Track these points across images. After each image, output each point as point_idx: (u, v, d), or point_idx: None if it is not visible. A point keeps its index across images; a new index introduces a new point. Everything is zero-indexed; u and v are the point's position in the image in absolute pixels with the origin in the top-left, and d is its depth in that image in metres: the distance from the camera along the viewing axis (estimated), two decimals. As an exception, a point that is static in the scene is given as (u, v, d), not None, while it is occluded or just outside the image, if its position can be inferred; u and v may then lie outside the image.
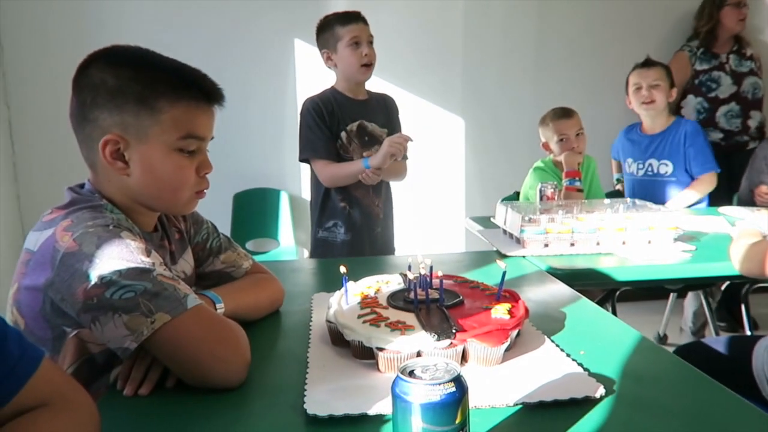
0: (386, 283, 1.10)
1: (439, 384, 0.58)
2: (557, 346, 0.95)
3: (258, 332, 1.03)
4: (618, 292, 2.47)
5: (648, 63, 2.54)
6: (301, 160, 2.03)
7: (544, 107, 2.48)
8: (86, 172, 0.98)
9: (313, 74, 2.81)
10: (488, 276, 1.24)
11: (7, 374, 0.63)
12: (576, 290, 1.31)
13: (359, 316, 0.93)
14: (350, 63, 1.94)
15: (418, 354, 0.85)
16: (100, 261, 0.81)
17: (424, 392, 0.57)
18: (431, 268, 1.04)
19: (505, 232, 1.85)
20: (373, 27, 1.99)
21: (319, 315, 1.09)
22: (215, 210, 1.44)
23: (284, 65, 3.17)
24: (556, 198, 2.05)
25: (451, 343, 0.86)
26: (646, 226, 1.67)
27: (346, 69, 1.96)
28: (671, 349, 1.19)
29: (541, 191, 2.06)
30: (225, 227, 2.86)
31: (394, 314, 0.94)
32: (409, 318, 0.92)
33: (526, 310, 0.98)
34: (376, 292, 1.05)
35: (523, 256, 1.62)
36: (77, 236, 0.84)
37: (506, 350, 0.90)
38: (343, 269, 1.03)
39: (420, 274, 1.03)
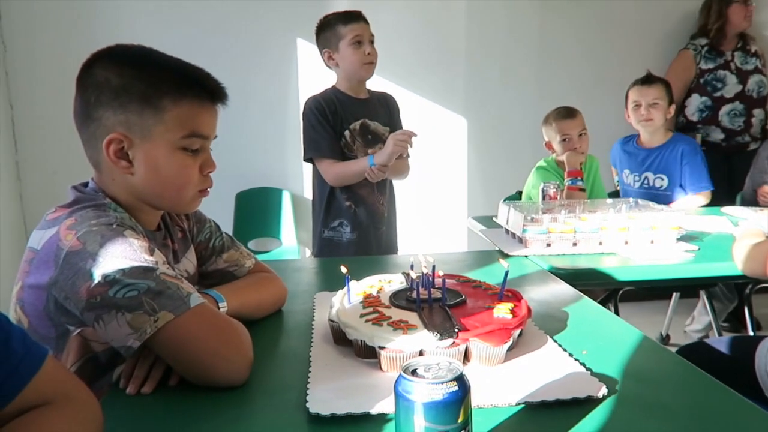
0: (389, 283, 1.10)
1: (442, 383, 0.58)
2: (559, 345, 0.95)
3: (261, 331, 1.04)
4: (620, 292, 2.47)
5: (648, 80, 2.53)
6: (306, 159, 2.03)
7: (547, 107, 2.48)
8: (89, 171, 0.99)
9: (315, 73, 2.81)
10: (490, 275, 1.24)
11: (11, 372, 0.63)
12: (578, 290, 1.31)
13: (362, 315, 0.93)
14: (352, 62, 1.94)
15: (421, 353, 0.85)
16: (103, 259, 0.81)
17: (426, 391, 0.57)
18: (434, 267, 1.04)
19: (507, 231, 1.85)
20: (375, 26, 1.99)
21: (322, 314, 1.09)
22: (217, 209, 1.44)
23: (286, 64, 3.18)
24: (558, 198, 2.05)
25: (454, 342, 0.86)
26: (648, 226, 1.67)
27: (348, 68, 1.96)
28: (674, 350, 1.19)
29: (543, 191, 2.06)
30: (227, 226, 2.86)
31: (396, 313, 0.94)
32: (412, 317, 0.92)
33: (529, 310, 0.98)
34: (378, 292, 1.05)
35: (526, 256, 1.62)
36: (81, 235, 0.84)
37: (508, 350, 0.90)
38: (344, 269, 1.03)
39: (422, 274, 1.03)
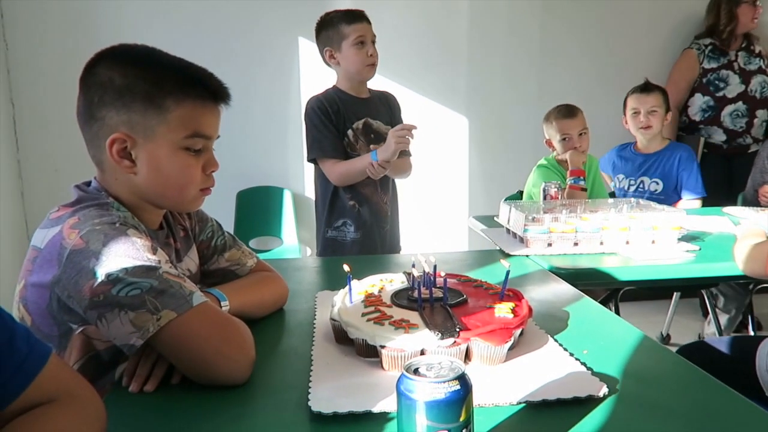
0: (390, 282, 1.11)
1: (444, 382, 0.58)
2: (560, 345, 0.95)
3: (262, 330, 1.04)
4: (621, 292, 2.48)
5: (646, 88, 2.58)
6: (310, 160, 2.02)
7: (548, 106, 2.48)
8: (90, 170, 0.99)
9: (316, 73, 2.81)
10: (491, 275, 1.24)
11: (15, 371, 0.64)
12: (579, 290, 1.31)
13: (363, 314, 0.93)
14: (355, 62, 1.94)
15: (422, 352, 0.86)
16: (106, 258, 0.82)
17: (428, 390, 0.58)
18: (435, 266, 1.04)
19: (508, 231, 1.85)
20: (376, 26, 1.99)
21: (323, 313, 1.09)
22: (219, 208, 1.45)
23: (288, 63, 3.18)
24: (559, 197, 2.05)
25: (455, 341, 0.86)
26: (649, 226, 1.67)
27: (350, 68, 1.96)
28: (674, 349, 1.20)
29: (544, 190, 2.06)
30: (228, 225, 2.87)
31: (398, 312, 0.94)
32: (413, 316, 0.92)
33: (530, 309, 0.98)
34: (380, 291, 1.05)
35: (527, 256, 1.62)
36: (84, 233, 0.84)
37: (509, 349, 0.90)
38: (346, 268, 1.03)
39: (424, 273, 1.03)
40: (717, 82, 3.05)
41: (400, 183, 2.19)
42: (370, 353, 0.89)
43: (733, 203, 2.56)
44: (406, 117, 2.18)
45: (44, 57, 3.02)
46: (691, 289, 2.75)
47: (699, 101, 3.09)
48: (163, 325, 0.80)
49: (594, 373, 0.85)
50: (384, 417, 0.74)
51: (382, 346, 0.86)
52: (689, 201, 2.55)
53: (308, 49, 3.10)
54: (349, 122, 1.98)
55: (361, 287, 1.07)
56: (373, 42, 1.97)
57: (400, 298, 1.01)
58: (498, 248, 1.73)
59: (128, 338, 0.80)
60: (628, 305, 2.75)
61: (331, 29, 1.95)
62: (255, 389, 0.84)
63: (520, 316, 0.93)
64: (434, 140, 3.21)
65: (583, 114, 2.40)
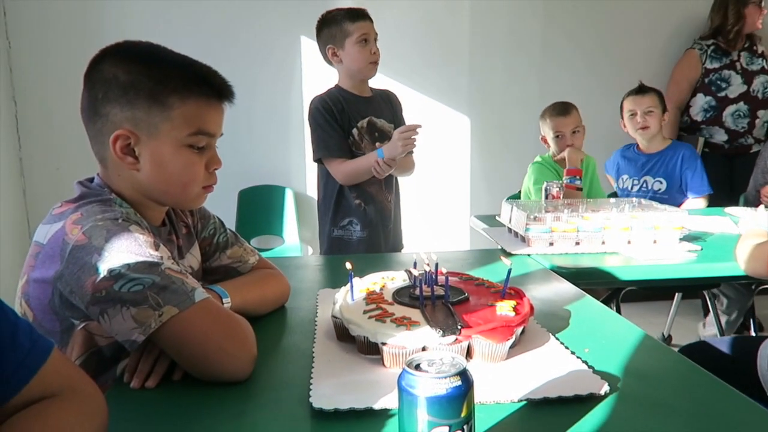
0: (391, 280, 1.11)
1: (445, 377, 0.58)
2: (562, 343, 0.95)
3: (264, 327, 1.04)
4: (622, 293, 2.48)
5: (641, 90, 2.60)
6: (316, 160, 2.02)
7: (550, 106, 2.48)
8: (92, 167, 0.99)
9: (318, 71, 2.82)
10: (493, 274, 1.24)
11: (17, 365, 0.64)
12: (580, 289, 1.31)
13: (365, 312, 0.93)
14: (358, 60, 1.94)
15: (423, 350, 0.86)
16: (108, 254, 0.82)
17: (430, 386, 0.58)
18: (436, 264, 1.04)
19: (510, 230, 1.85)
20: (378, 25, 1.99)
21: (325, 310, 1.09)
22: (221, 206, 1.45)
23: (290, 62, 3.18)
24: (561, 197, 2.05)
25: (456, 339, 0.86)
26: (651, 226, 1.67)
27: (353, 66, 1.96)
28: (675, 350, 1.19)
29: (546, 190, 2.06)
30: (230, 224, 2.86)
31: (399, 310, 0.94)
32: (415, 314, 0.93)
33: (531, 308, 0.98)
34: (381, 289, 1.05)
35: (528, 255, 1.62)
36: (87, 229, 0.84)
37: (511, 347, 0.90)
38: (348, 266, 1.03)
39: (425, 271, 1.03)
40: (719, 82, 3.05)
41: (402, 182, 2.20)
42: (371, 350, 0.89)
43: (735, 204, 2.56)
44: (408, 116, 2.18)
45: (47, 55, 3.02)
46: (692, 289, 2.75)
47: (701, 101, 3.09)
48: (165, 321, 0.80)
49: (595, 372, 0.85)
50: (385, 413, 0.74)
51: (384, 344, 0.86)
52: (696, 199, 2.56)
53: (310, 47, 3.10)
54: (354, 121, 1.98)
55: (363, 285, 1.07)
56: (375, 40, 1.97)
57: (402, 295, 1.01)
58: (499, 247, 1.73)
59: (130, 334, 0.81)
60: (629, 306, 2.75)
61: (334, 27, 1.95)
62: (256, 386, 0.85)
63: (521, 314, 0.93)
64: (436, 139, 3.21)
65: (578, 112, 2.41)
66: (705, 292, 2.65)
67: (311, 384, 0.82)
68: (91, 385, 0.71)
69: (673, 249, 1.64)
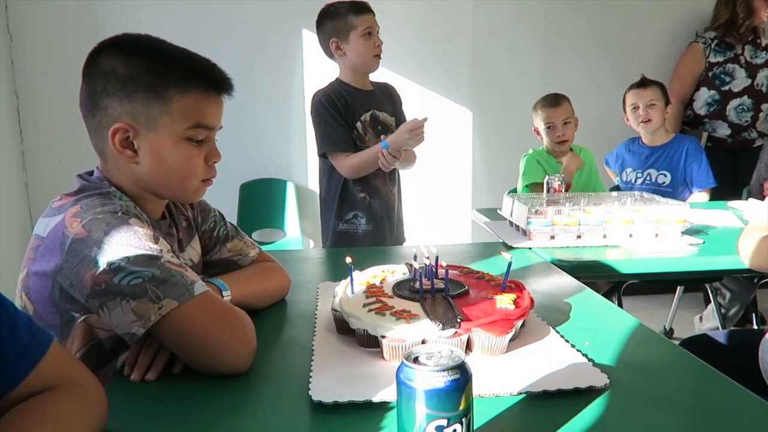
0: (392, 273, 1.10)
1: (444, 370, 0.58)
2: (562, 336, 0.95)
3: (264, 320, 1.04)
4: (624, 286, 2.48)
5: (644, 83, 2.60)
6: (320, 155, 2.01)
7: (552, 100, 2.47)
8: (94, 161, 0.99)
9: (320, 65, 2.81)
10: (494, 267, 1.24)
11: (17, 358, 0.64)
12: (582, 282, 1.31)
13: (364, 305, 0.93)
14: (363, 54, 1.93)
15: (423, 342, 0.86)
16: (108, 247, 0.82)
17: (428, 378, 0.58)
18: (437, 258, 1.04)
19: (511, 223, 1.85)
20: (380, 17, 1.99)
21: (325, 304, 1.09)
22: (222, 200, 1.45)
23: (292, 55, 3.17)
24: (563, 190, 2.04)
25: (456, 332, 0.86)
26: (653, 219, 1.67)
27: (357, 59, 1.95)
28: (677, 343, 1.19)
29: (548, 183, 2.06)
30: (231, 217, 2.87)
31: (399, 303, 0.94)
32: (414, 307, 0.92)
33: (531, 301, 0.98)
34: (381, 282, 1.05)
35: (529, 248, 1.62)
36: (86, 222, 0.84)
37: (511, 340, 0.90)
38: (348, 259, 1.03)
39: (425, 264, 1.03)
40: (723, 76, 3.03)
41: (404, 175, 2.19)
42: (371, 343, 0.89)
43: (738, 197, 2.55)
44: (410, 109, 2.18)
45: (48, 49, 3.02)
46: (694, 283, 2.74)
47: (704, 95, 3.07)
48: (164, 314, 0.80)
49: (595, 365, 0.84)
50: (384, 406, 0.74)
51: (383, 337, 0.86)
52: (701, 192, 2.56)
53: (311, 41, 3.09)
54: (358, 115, 1.98)
55: (363, 278, 1.07)
56: (377, 33, 1.96)
57: (402, 288, 1.01)
58: (501, 240, 1.73)
59: (130, 327, 0.81)
60: (631, 299, 2.75)
61: (338, 20, 1.93)
62: (256, 378, 0.85)
63: (521, 307, 0.93)
64: (438, 133, 3.20)
65: (570, 103, 2.42)
66: (707, 286, 2.65)
67: (311, 377, 0.82)
68: (91, 377, 0.71)
69: (675, 242, 1.64)
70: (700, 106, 3.09)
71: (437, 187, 3.34)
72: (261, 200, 3.26)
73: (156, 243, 0.85)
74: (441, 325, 0.85)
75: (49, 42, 3.01)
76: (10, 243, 2.83)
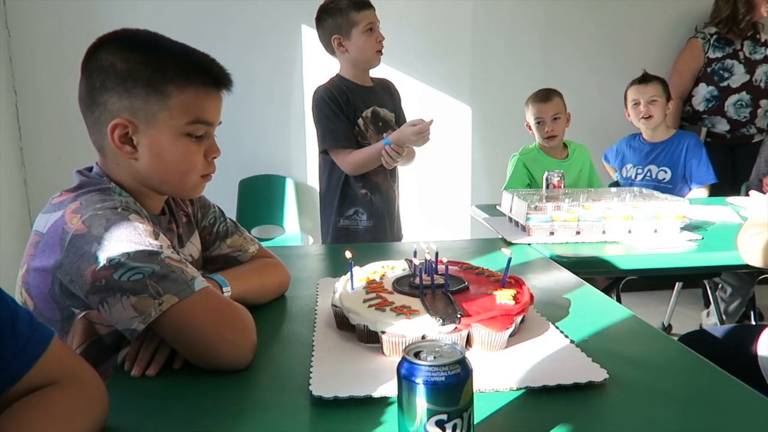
0: (392, 269, 1.10)
1: (444, 366, 0.58)
2: (561, 332, 0.95)
3: (264, 316, 1.04)
4: (623, 282, 2.48)
5: (645, 79, 2.59)
6: (322, 151, 2.01)
7: (552, 96, 2.47)
8: (93, 157, 0.99)
9: (319, 61, 2.81)
10: (493, 263, 1.24)
11: (17, 353, 0.64)
12: (581, 278, 1.31)
13: (365, 301, 0.93)
14: (365, 49, 1.93)
15: (423, 338, 0.86)
16: (108, 243, 0.82)
17: (429, 373, 0.58)
18: (437, 254, 1.04)
19: (510, 219, 1.85)
20: (380, 13, 1.98)
21: (325, 299, 1.09)
22: (221, 196, 1.45)
23: (291, 51, 3.17)
24: (562, 186, 2.04)
25: (456, 327, 0.86)
26: (652, 215, 1.67)
27: (360, 55, 1.95)
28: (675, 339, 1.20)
29: (547, 179, 2.06)
30: (231, 214, 2.86)
31: (399, 299, 0.94)
32: (414, 303, 0.93)
33: (531, 297, 0.98)
34: (381, 278, 1.05)
35: (529, 244, 1.62)
36: (86, 218, 0.84)
37: (510, 336, 0.90)
38: (348, 254, 1.03)
39: (425, 260, 1.03)
40: (721, 71, 3.03)
41: (403, 171, 2.19)
42: (371, 339, 0.90)
43: (737, 193, 2.55)
44: (410, 105, 2.18)
45: (47, 45, 3.01)
46: (693, 278, 2.75)
47: (703, 91, 3.07)
48: (164, 309, 0.80)
49: (594, 360, 0.85)
50: (384, 401, 0.74)
51: (383, 332, 0.87)
52: (701, 188, 2.57)
53: (311, 36, 3.08)
54: (359, 111, 1.97)
55: (363, 274, 1.07)
56: (378, 27, 1.96)
57: (402, 284, 1.01)
58: (500, 237, 1.73)
59: (130, 323, 0.81)
60: (629, 295, 2.75)
61: (339, 16, 1.92)
62: (256, 374, 0.85)
63: (521, 302, 0.93)
64: (437, 129, 3.19)
65: (562, 99, 2.42)
66: (705, 282, 2.65)
67: (311, 372, 0.82)
68: (92, 373, 0.71)
69: (674, 238, 1.64)
70: (698, 102, 3.09)
71: (437, 184, 3.33)
72: (260, 196, 3.26)
73: (156, 239, 0.85)
74: (441, 320, 0.86)
75: (48, 38, 3.00)
76: (9, 239, 2.82)
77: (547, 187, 2.06)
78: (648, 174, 2.64)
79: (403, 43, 3.08)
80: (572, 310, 1.09)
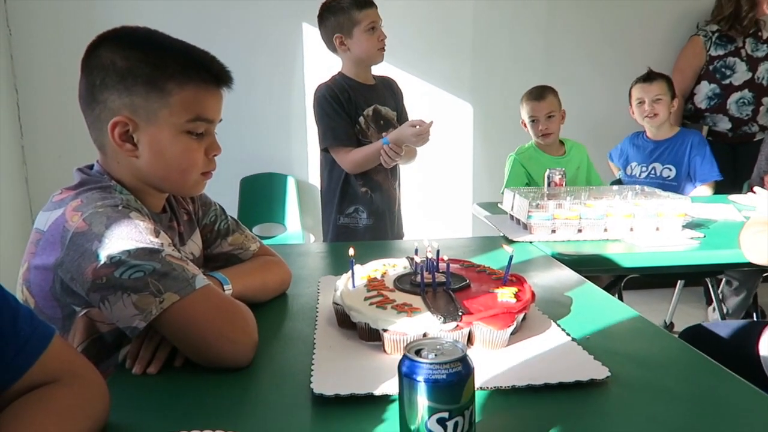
0: (393, 267, 1.10)
1: (446, 363, 0.58)
2: (563, 330, 0.95)
3: (265, 314, 1.04)
4: (624, 280, 2.47)
5: (649, 77, 2.59)
6: (323, 149, 2.01)
7: (553, 93, 2.46)
8: (94, 155, 0.99)
9: (320, 59, 2.80)
10: (495, 261, 1.24)
11: (18, 351, 0.64)
12: (583, 276, 1.31)
13: (366, 299, 0.93)
14: (368, 48, 1.93)
15: (424, 336, 0.86)
16: (109, 241, 0.82)
17: (430, 371, 0.58)
18: (438, 252, 1.04)
19: (512, 217, 1.84)
20: (382, 12, 1.98)
21: (326, 297, 1.09)
22: (222, 194, 1.45)
23: (292, 49, 3.16)
24: (564, 184, 2.04)
25: (457, 325, 0.86)
26: (654, 213, 1.66)
27: (362, 53, 1.95)
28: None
29: (548, 177, 2.05)
30: (232, 212, 2.86)
31: (400, 297, 0.94)
32: (416, 301, 0.92)
33: (533, 294, 0.98)
34: (382, 275, 1.05)
35: (530, 242, 1.62)
36: (87, 216, 0.84)
37: (512, 333, 0.90)
38: (351, 251, 1.03)
39: (427, 258, 1.03)
40: (723, 69, 3.02)
41: (405, 169, 2.19)
42: (372, 337, 0.90)
43: (739, 191, 2.55)
44: (411, 104, 2.17)
45: (48, 43, 3.01)
46: (695, 276, 2.75)
47: (705, 89, 3.06)
48: (165, 307, 0.80)
49: (596, 358, 0.84)
50: (386, 399, 0.74)
51: (385, 330, 0.86)
52: (705, 186, 2.56)
53: (312, 35, 3.08)
54: (360, 109, 1.97)
55: (364, 272, 1.07)
56: (380, 25, 1.96)
57: (403, 282, 1.01)
58: (501, 235, 1.73)
59: (131, 321, 0.81)
60: (631, 293, 2.75)
61: (341, 15, 1.92)
62: (258, 372, 0.85)
63: (522, 300, 0.93)
64: (438, 127, 3.19)
65: (557, 97, 2.41)
66: (707, 280, 2.65)
67: (312, 370, 0.82)
68: (93, 370, 0.71)
69: (676, 236, 1.63)
70: (700, 100, 3.08)
71: (438, 182, 3.33)
72: (261, 194, 3.26)
73: (157, 236, 0.85)
74: (442, 318, 0.85)
75: (49, 37, 3.00)
76: (10, 237, 2.83)
77: (549, 184, 2.05)
78: (653, 172, 2.64)
79: (404, 41, 3.07)
80: (574, 308, 1.08)
